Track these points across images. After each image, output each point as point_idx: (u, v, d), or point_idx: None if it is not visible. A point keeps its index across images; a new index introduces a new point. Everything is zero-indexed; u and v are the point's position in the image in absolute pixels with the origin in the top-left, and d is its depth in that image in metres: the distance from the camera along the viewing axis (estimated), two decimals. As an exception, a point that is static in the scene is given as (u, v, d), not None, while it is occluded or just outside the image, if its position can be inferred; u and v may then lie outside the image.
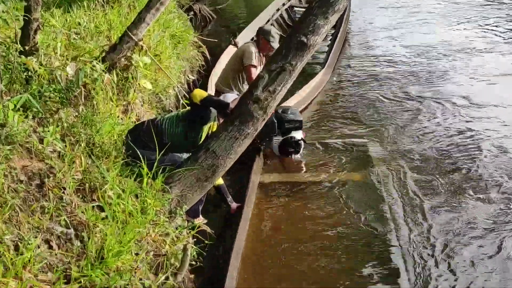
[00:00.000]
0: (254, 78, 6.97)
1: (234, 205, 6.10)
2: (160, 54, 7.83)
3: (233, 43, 9.90)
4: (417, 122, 8.44)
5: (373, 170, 6.98)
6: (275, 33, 7.48)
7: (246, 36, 11.27)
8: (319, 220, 6.08)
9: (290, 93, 7.76)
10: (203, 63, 9.97)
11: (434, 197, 6.46)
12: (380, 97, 9.46)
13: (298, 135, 7.28)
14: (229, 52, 9.62)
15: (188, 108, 5.59)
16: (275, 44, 7.28)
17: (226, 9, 15.57)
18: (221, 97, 5.78)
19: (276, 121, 7.14)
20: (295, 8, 14.20)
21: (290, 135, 7.23)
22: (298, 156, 7.33)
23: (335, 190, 6.61)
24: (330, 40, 12.01)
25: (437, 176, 6.88)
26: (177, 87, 7.54)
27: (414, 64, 11.00)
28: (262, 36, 7.49)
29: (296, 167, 7.21)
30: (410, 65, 10.97)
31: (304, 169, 7.15)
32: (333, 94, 9.70)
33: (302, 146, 7.32)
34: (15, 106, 4.40)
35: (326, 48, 11.64)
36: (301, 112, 8.05)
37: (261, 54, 7.52)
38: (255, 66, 7.35)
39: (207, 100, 5.33)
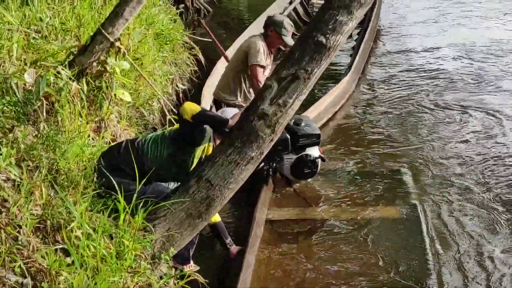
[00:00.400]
0: (260, 81, 7.02)
1: (234, 248, 6.09)
2: (142, 57, 7.89)
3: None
4: (464, 141, 8.49)
5: (409, 204, 6.97)
6: (289, 24, 7.45)
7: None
8: (341, 268, 6.07)
9: (304, 105, 7.75)
10: (196, 68, 10.02)
11: (494, 239, 6.45)
12: (418, 109, 9.54)
13: (314, 152, 7.28)
14: (229, 54, 9.70)
15: (176, 126, 5.60)
16: (289, 39, 7.29)
17: (225, 1, 15.70)
18: (219, 112, 5.80)
19: (289, 137, 7.13)
20: (313, 1, 14.33)
21: (305, 153, 7.24)
22: (309, 180, 7.36)
23: (361, 230, 6.61)
24: (356, 38, 12.09)
25: (496, 211, 6.88)
26: (163, 99, 7.56)
27: (458, 67, 11.12)
28: (272, 28, 7.46)
29: (312, 199, 7.21)
30: (453, 68, 11.07)
31: (322, 202, 7.15)
32: (360, 106, 9.76)
33: (319, 166, 7.33)
34: (-41, 123, 4.44)
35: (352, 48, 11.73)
36: (321, 128, 8.05)
37: (270, 50, 7.51)
38: (262, 66, 7.31)
39: (201, 115, 5.34)
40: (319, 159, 7.29)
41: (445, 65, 11.15)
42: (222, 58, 9.92)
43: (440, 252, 6.24)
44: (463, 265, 6.09)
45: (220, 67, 9.61)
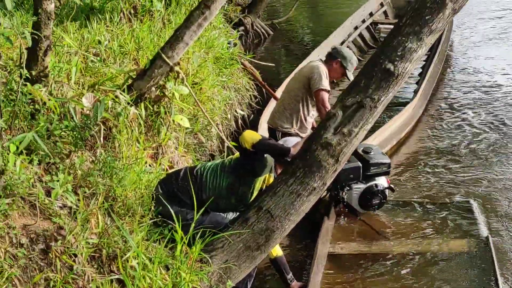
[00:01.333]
0: (327, 106, 6.99)
1: (295, 284, 6.03)
2: (201, 82, 7.96)
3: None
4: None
5: (480, 238, 6.85)
6: (355, 61, 7.43)
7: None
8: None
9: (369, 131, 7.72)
10: (256, 93, 10.07)
11: None
12: (489, 137, 9.38)
13: (383, 181, 7.25)
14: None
15: (236, 154, 5.62)
16: (351, 74, 7.25)
17: (287, 24, 15.77)
18: (281, 141, 5.80)
19: (361, 165, 7.10)
20: (380, 26, 14.29)
21: (374, 182, 7.21)
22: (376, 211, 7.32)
23: (429, 265, 6.50)
24: (424, 63, 12.02)
25: None
26: (215, 127, 7.54)
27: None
28: (338, 60, 7.38)
29: (377, 231, 7.14)
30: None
31: (388, 234, 7.07)
32: (427, 132, 9.65)
33: (387, 196, 7.29)
34: (17, 148, 4.52)
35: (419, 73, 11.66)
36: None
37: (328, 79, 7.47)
38: (328, 91, 7.27)
39: (261, 144, 5.36)
40: (388, 189, 7.24)
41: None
42: (283, 84, 9.94)
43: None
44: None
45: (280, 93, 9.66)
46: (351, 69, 7.27)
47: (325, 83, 7.15)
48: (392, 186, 7.30)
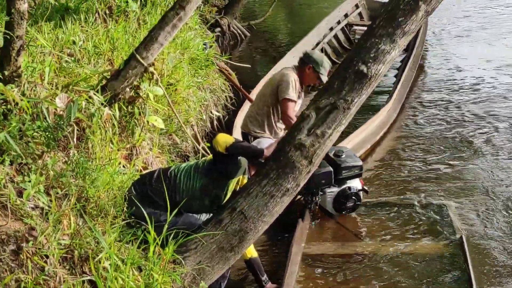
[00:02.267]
0: (291, 116, 7.03)
1: (269, 286, 6.05)
2: (176, 83, 7.95)
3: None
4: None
5: (454, 240, 6.89)
6: (328, 64, 7.43)
7: (287, 64, 11.40)
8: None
9: (342, 135, 7.76)
10: (232, 95, 10.07)
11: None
12: (463, 141, 9.46)
13: (357, 184, 7.28)
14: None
15: (210, 156, 5.63)
16: (325, 78, 7.25)
17: (263, 26, 15.80)
18: (254, 143, 5.81)
19: (332, 170, 7.13)
20: (355, 27, 14.36)
21: (347, 185, 7.24)
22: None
23: (403, 265, 6.56)
24: (399, 66, 12.08)
25: None
26: (186, 131, 7.52)
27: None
28: (310, 65, 7.39)
29: (351, 232, 7.17)
30: (504, 96, 10.98)
31: (362, 236, 7.11)
32: (402, 135, 9.71)
33: (361, 198, 7.33)
34: (-12, 148, 4.50)
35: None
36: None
37: (302, 85, 7.47)
38: (294, 101, 7.29)
39: (235, 147, 5.36)
40: (362, 191, 7.27)
41: (496, 92, 11.11)
42: (258, 85, 9.95)
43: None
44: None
45: (256, 94, 9.66)
46: (324, 72, 7.27)
47: (291, 93, 7.17)
48: (365, 188, 7.35)
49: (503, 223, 7.32)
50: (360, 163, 7.33)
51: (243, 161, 5.49)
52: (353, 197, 7.25)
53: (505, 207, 7.66)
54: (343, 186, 7.23)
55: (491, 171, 8.57)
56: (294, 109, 7.20)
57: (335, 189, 7.24)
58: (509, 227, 7.23)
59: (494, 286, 6.26)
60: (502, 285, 6.27)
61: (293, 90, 7.21)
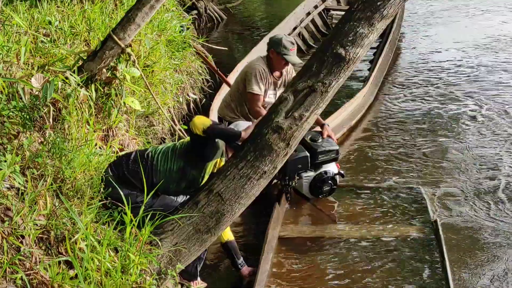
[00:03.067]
0: (255, 110, 7.05)
1: (245, 269, 6.08)
2: (153, 64, 7.92)
3: None
4: (488, 155, 8.53)
5: (427, 221, 6.95)
6: (288, 42, 7.25)
7: (264, 49, 11.39)
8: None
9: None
10: (209, 77, 10.06)
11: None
12: (438, 123, 9.55)
13: (333, 168, 7.31)
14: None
15: (188, 138, 5.61)
16: (292, 58, 7.18)
17: (240, 9, 15.76)
18: (232, 125, 5.81)
19: (308, 154, 7.14)
20: (332, 12, 14.35)
21: (323, 170, 7.27)
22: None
23: (378, 248, 6.60)
24: (375, 51, 12.11)
25: None
26: (164, 112, 7.48)
27: (486, 76, 11.24)
28: (272, 49, 7.28)
29: (327, 217, 7.20)
30: (479, 78, 11.16)
31: (338, 219, 7.14)
32: (378, 119, 9.75)
33: (338, 182, 7.37)
34: (-38, 128, 4.47)
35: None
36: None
37: (273, 73, 7.38)
38: (256, 95, 7.23)
39: (212, 129, 5.34)
40: (338, 175, 7.30)
41: (470, 71, 11.22)
42: (235, 69, 9.95)
43: (459, 272, 6.25)
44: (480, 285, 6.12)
45: (233, 78, 9.65)
46: (287, 52, 7.13)
47: (254, 87, 7.17)
48: (342, 172, 7.37)
49: (478, 206, 7.39)
50: (337, 147, 7.35)
51: (221, 143, 5.49)
52: (330, 181, 7.27)
53: (480, 189, 7.73)
54: (319, 171, 7.23)
55: (467, 154, 8.64)
56: (259, 102, 7.18)
57: (311, 174, 7.25)
58: (484, 209, 7.30)
59: (468, 268, 6.32)
60: (476, 267, 6.34)
61: (257, 82, 7.20)
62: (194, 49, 9.62)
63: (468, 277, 6.21)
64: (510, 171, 8.19)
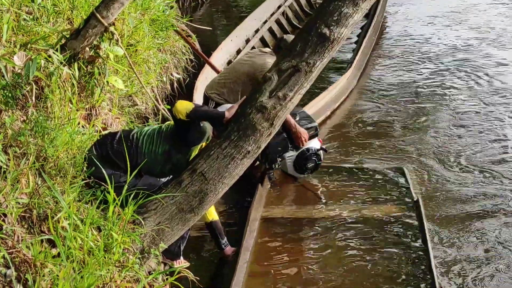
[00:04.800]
0: None
1: (229, 249, 6.12)
2: (136, 43, 7.88)
3: None
4: (474, 144, 8.54)
5: (409, 202, 6.99)
6: None
7: (248, 29, 11.38)
8: (336, 267, 6.10)
9: (303, 100, 7.75)
10: (192, 57, 10.02)
11: (496, 236, 6.57)
12: (421, 107, 9.59)
13: (315, 144, 7.32)
14: (226, 48, 9.68)
15: (172, 122, 5.58)
16: None
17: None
18: (221, 108, 5.79)
19: (286, 136, 7.13)
20: None
21: (305, 147, 7.27)
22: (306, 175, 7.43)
23: (361, 228, 6.64)
24: (359, 33, 12.11)
25: (499, 205, 7.06)
26: (147, 92, 7.44)
27: (466, 63, 11.24)
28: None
29: (310, 196, 7.23)
30: (461, 65, 11.19)
31: (320, 200, 7.17)
32: (361, 102, 9.78)
33: (322, 157, 7.38)
34: None
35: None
36: (319, 125, 8.06)
37: None
38: None
39: (195, 112, 5.34)
40: (321, 151, 7.32)
41: (453, 67, 11.22)
42: (219, 48, 9.92)
43: (442, 252, 6.32)
44: (462, 265, 6.17)
45: (216, 57, 9.62)
46: None
47: None
48: (324, 147, 7.41)
49: (459, 185, 7.46)
50: (315, 123, 7.38)
51: (208, 127, 5.45)
52: (313, 158, 7.28)
53: (462, 169, 7.81)
54: (301, 149, 7.26)
55: (449, 134, 8.71)
56: None
57: (293, 153, 7.27)
58: (466, 189, 7.37)
59: (449, 247, 6.40)
60: (457, 246, 6.40)
61: None
62: (176, 29, 9.54)
63: (451, 254, 6.31)
64: (494, 146, 8.33)
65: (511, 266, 6.15)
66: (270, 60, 7.23)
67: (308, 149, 7.24)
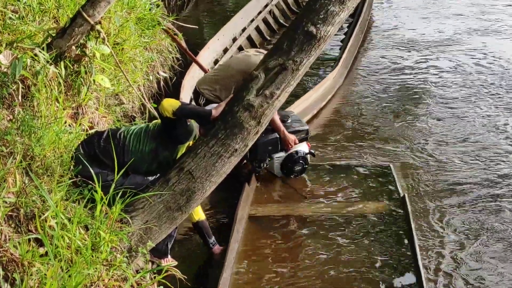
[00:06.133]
0: None
1: (217, 248, 6.15)
2: (122, 42, 7.87)
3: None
4: (462, 138, 8.61)
5: (397, 199, 7.03)
6: None
7: (235, 27, 11.38)
8: (324, 265, 6.12)
9: (289, 100, 7.77)
10: (179, 56, 10.02)
11: (482, 235, 6.59)
12: (407, 105, 9.65)
13: (303, 148, 7.35)
14: (213, 47, 9.69)
15: (159, 120, 5.59)
16: None
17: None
18: (209, 107, 5.81)
19: (278, 136, 7.17)
20: None
21: (294, 150, 7.29)
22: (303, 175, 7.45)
23: (348, 225, 6.69)
24: (346, 31, 12.15)
25: (484, 206, 7.07)
26: (134, 90, 7.44)
27: (452, 61, 11.33)
28: None
29: (297, 194, 7.25)
30: (446, 63, 11.23)
31: (308, 198, 7.19)
32: (348, 100, 9.82)
33: (309, 161, 7.41)
34: None
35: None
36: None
37: None
38: None
39: (182, 109, 5.34)
40: (309, 155, 7.35)
41: (440, 63, 11.28)
42: (206, 47, 9.92)
43: (428, 250, 6.35)
44: (449, 262, 6.19)
45: (203, 56, 9.61)
46: None
47: None
48: (312, 151, 7.43)
49: (445, 182, 7.51)
50: (306, 127, 7.43)
51: (195, 126, 5.49)
52: (301, 161, 7.33)
53: (448, 166, 7.85)
54: (290, 151, 7.28)
55: (436, 132, 8.76)
56: None
57: (282, 154, 7.30)
58: (452, 186, 7.42)
59: (436, 243, 6.44)
60: (444, 242, 6.45)
61: None
62: (163, 28, 9.54)
63: (438, 249, 6.35)
64: (480, 146, 8.37)
65: (497, 256, 6.25)
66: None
67: (297, 152, 7.29)
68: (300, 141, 7.33)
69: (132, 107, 7.85)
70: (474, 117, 9.17)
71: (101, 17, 6.29)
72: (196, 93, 7.39)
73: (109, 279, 4.65)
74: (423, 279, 5.68)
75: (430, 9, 14.05)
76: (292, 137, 7.15)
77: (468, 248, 6.36)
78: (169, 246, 5.78)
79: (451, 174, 7.65)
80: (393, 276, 5.94)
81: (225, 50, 10.77)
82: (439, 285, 5.87)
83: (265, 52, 7.45)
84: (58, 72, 5.96)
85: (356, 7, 7.94)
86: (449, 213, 6.90)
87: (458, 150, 8.21)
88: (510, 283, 5.93)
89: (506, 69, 10.88)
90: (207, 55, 10.00)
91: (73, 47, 6.23)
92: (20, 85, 5.37)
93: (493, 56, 11.41)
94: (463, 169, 7.76)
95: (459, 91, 9.98)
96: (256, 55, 7.39)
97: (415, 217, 6.71)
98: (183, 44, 9.52)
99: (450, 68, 10.94)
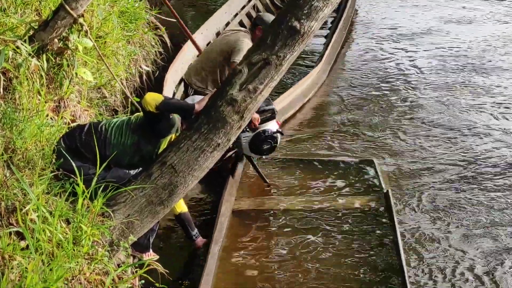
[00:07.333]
0: None
1: (200, 240, 6.15)
2: (105, 35, 7.85)
3: None
4: (444, 134, 8.70)
5: (378, 193, 7.08)
6: None
7: (218, 22, 11.36)
8: (307, 259, 6.16)
9: (273, 95, 7.79)
10: (161, 50, 10.01)
11: (463, 228, 6.71)
12: (390, 100, 9.71)
13: (272, 126, 7.35)
14: (197, 41, 9.67)
15: (141, 113, 5.59)
16: None
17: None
18: (189, 100, 5.81)
19: None
20: None
21: (262, 129, 7.29)
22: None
23: (330, 220, 6.72)
24: (330, 27, 12.17)
25: (465, 199, 7.17)
26: (119, 83, 7.44)
27: (434, 57, 11.44)
28: (260, 27, 7.51)
29: (279, 188, 7.28)
30: (428, 59, 11.35)
31: (291, 192, 7.22)
32: (330, 96, 9.84)
33: (279, 140, 7.42)
34: None
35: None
36: (289, 119, 8.13)
37: None
38: None
39: (164, 104, 5.34)
40: (278, 134, 7.35)
41: (420, 55, 11.37)
42: (189, 42, 9.90)
43: (409, 244, 6.43)
44: (431, 257, 6.28)
45: (188, 50, 9.60)
46: None
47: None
48: (280, 130, 7.40)
49: (429, 177, 7.60)
50: (272, 106, 7.36)
51: (176, 119, 5.48)
52: (269, 140, 7.28)
53: (431, 161, 7.95)
54: (257, 130, 7.28)
55: (419, 128, 8.84)
56: None
57: (249, 134, 7.25)
58: (435, 180, 7.49)
59: (418, 238, 6.52)
60: (426, 237, 6.53)
61: None
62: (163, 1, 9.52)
63: (419, 248, 6.40)
64: (464, 140, 8.50)
65: (480, 250, 6.38)
66: (243, 37, 7.32)
67: (264, 131, 7.23)
68: (266, 120, 7.31)
69: (115, 100, 7.84)
70: (455, 103, 9.42)
71: (84, 10, 6.29)
72: (186, 86, 7.44)
73: (91, 273, 4.65)
74: (406, 276, 5.70)
75: (409, 1, 14.28)
76: (255, 116, 7.13)
77: (451, 240, 6.49)
78: (151, 240, 5.78)
79: (436, 173, 7.72)
80: (375, 270, 5.98)
81: (209, 44, 10.76)
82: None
83: (243, 29, 7.55)
84: (40, 65, 5.95)
85: (340, 2, 7.97)
86: (434, 210, 6.97)
87: (443, 138, 8.47)
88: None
89: (480, 56, 11.26)
90: (190, 49, 9.99)
91: (56, 40, 6.22)
92: (2, 78, 5.37)
93: (469, 43, 11.76)
94: (449, 169, 7.82)
95: (438, 79, 10.27)
96: (234, 33, 7.53)
97: (398, 212, 6.75)
98: (181, 21, 9.50)
99: (429, 56, 11.22)
